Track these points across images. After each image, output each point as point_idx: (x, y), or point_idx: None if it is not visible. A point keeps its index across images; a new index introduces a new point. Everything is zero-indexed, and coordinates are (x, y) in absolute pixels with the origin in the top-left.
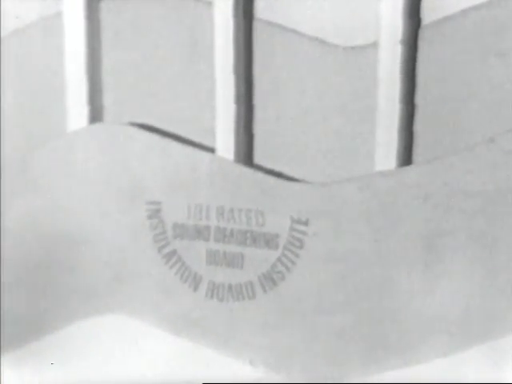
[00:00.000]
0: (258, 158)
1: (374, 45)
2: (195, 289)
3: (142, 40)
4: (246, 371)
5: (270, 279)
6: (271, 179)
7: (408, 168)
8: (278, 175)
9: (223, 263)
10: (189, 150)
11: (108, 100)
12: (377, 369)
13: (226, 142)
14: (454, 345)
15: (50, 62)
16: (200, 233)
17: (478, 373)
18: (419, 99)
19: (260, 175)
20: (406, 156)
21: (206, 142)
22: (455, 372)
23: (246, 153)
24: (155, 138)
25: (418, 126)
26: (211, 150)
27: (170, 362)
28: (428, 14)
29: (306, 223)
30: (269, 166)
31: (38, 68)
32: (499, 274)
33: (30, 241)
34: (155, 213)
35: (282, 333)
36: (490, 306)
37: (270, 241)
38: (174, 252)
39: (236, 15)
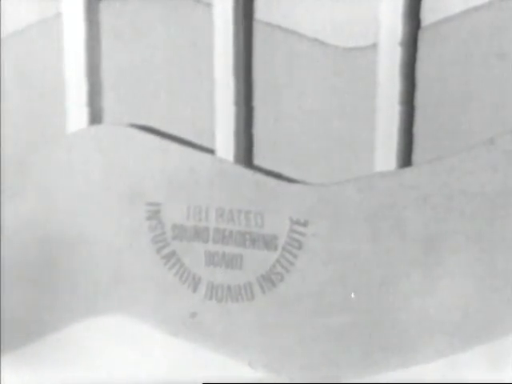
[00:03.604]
0: (257, 159)
1: (374, 46)
2: (194, 290)
3: (141, 41)
4: (245, 372)
5: (269, 280)
6: (271, 180)
7: (407, 169)
8: (278, 176)
9: (222, 264)
10: (188, 151)
11: (108, 101)
12: (376, 369)
13: (225, 143)
14: (453, 345)
15: (50, 64)
16: (199, 234)
17: (478, 373)
18: (419, 100)
19: (259, 176)
20: (406, 157)
21: (206, 144)
22: (455, 373)
23: (245, 154)
24: (155, 139)
25: (418, 128)
26: (211, 152)
27: (168, 362)
28: (427, 16)
29: (305, 224)
30: (268, 167)
31: (38, 69)
32: (498, 275)
33: (30, 242)
34: (154, 214)
35: (280, 334)
36: (490, 307)
37: (268, 242)
38: (173, 253)
39: (236, 16)
